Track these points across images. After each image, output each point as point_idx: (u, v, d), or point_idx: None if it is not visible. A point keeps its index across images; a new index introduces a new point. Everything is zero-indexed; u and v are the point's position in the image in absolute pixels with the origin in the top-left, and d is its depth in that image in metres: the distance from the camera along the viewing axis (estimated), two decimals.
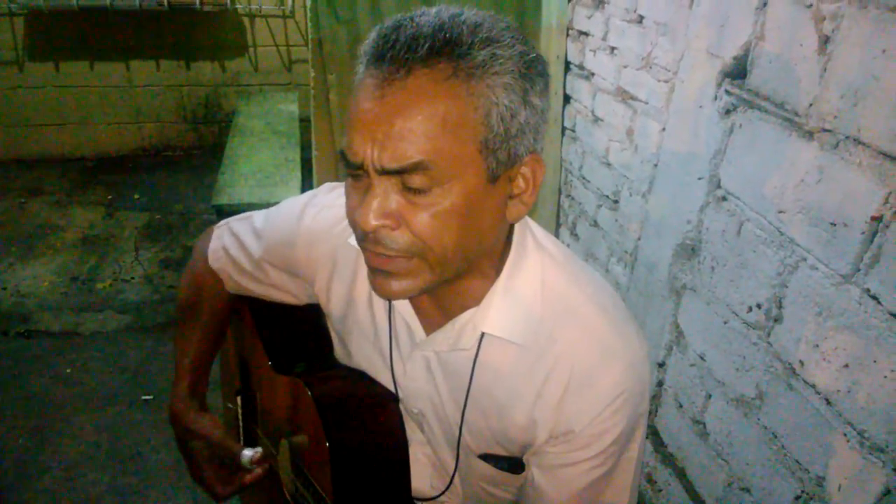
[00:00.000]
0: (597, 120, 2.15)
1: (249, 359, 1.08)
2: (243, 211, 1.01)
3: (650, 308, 1.73)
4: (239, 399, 1.11)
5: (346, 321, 0.89)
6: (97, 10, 3.94)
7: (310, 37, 2.19)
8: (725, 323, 1.40)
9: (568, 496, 0.75)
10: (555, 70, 2.35)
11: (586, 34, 2.17)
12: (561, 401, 0.73)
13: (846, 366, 1.06)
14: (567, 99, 2.39)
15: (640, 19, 1.81)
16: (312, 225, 0.87)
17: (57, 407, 2.35)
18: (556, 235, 2.17)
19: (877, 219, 0.98)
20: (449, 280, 0.68)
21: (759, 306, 1.28)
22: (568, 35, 2.31)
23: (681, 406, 1.61)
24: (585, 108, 2.23)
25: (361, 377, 0.90)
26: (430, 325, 0.80)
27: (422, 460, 0.90)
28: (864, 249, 1.01)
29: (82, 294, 3.04)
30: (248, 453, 0.93)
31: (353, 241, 0.73)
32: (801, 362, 1.16)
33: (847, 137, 1.04)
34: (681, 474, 1.62)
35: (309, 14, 2.17)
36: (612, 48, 2.00)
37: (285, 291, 0.95)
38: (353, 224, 0.66)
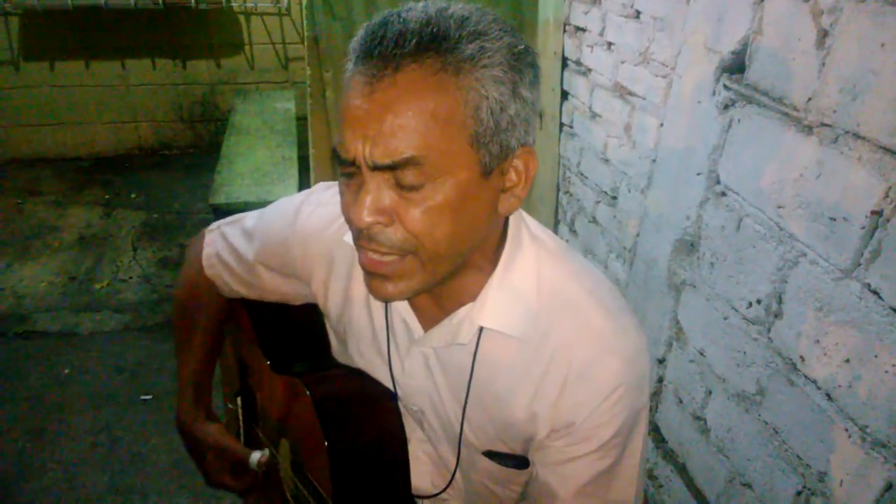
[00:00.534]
0: (594, 116, 2.14)
1: (248, 359, 1.08)
2: (241, 209, 1.01)
3: (649, 304, 1.73)
4: (239, 399, 1.11)
5: (344, 319, 0.89)
6: (92, 10, 3.92)
7: (306, 34, 2.19)
8: (725, 319, 1.40)
9: (574, 491, 0.75)
10: (552, 66, 2.34)
11: (583, 30, 2.16)
12: (560, 394, 0.73)
13: (847, 361, 1.06)
14: (565, 95, 2.38)
15: (638, 14, 1.81)
16: (308, 224, 0.87)
17: (56, 407, 2.35)
18: (555, 232, 2.16)
19: (877, 213, 0.98)
20: (444, 279, 0.69)
21: (759, 302, 1.28)
22: (565, 31, 2.31)
23: (681, 402, 1.61)
24: (583, 105, 2.23)
25: (360, 376, 0.90)
26: (428, 322, 0.80)
27: (422, 458, 0.90)
28: (864, 244, 1.01)
29: (80, 294, 3.04)
30: (255, 456, 0.94)
31: (348, 238, 0.73)
32: (802, 357, 1.16)
33: (846, 132, 1.04)
34: (682, 470, 1.62)
35: (305, 11, 2.16)
36: (610, 44, 1.99)
37: (280, 294, 0.94)
38: (348, 221, 0.66)
